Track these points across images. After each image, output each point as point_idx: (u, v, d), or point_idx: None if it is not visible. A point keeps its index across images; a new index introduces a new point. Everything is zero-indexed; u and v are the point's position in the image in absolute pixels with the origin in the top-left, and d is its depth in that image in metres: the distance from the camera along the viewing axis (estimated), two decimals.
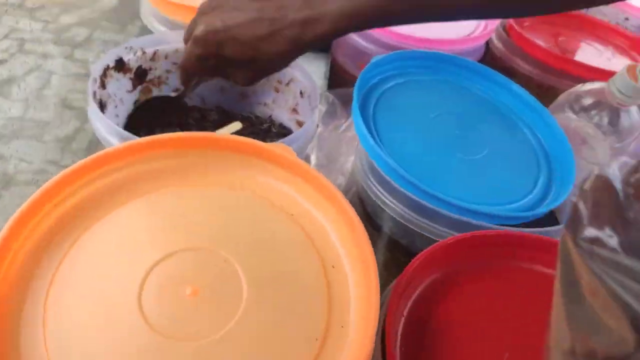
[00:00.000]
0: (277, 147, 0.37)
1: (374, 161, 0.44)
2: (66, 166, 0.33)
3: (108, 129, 0.42)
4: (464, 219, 0.40)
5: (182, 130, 0.54)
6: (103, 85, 0.49)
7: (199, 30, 0.44)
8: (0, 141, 1.96)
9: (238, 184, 0.37)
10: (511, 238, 0.37)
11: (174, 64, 0.56)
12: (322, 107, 0.67)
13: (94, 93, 0.46)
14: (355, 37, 0.64)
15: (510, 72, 0.69)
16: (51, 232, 0.32)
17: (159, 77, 0.56)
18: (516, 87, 0.54)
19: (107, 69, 0.49)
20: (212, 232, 0.33)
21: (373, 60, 0.51)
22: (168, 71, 0.56)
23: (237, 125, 0.50)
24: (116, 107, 0.52)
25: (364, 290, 0.32)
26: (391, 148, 0.46)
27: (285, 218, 0.35)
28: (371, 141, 0.44)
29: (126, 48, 0.51)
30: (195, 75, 0.50)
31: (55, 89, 2.08)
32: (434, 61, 0.55)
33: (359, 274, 0.33)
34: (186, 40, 0.48)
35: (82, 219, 0.33)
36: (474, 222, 0.40)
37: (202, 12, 0.46)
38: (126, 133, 0.40)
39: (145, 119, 0.54)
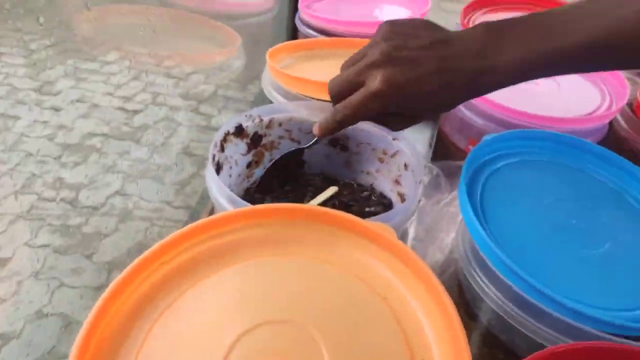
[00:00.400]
0: (376, 226, 0.37)
1: (478, 246, 0.42)
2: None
3: (220, 191, 0.45)
4: (576, 323, 0.36)
5: (286, 191, 0.57)
6: (222, 149, 0.53)
7: (377, 85, 0.42)
8: (127, 180, 2.19)
9: (334, 259, 0.37)
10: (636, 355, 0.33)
11: (287, 131, 0.59)
12: (425, 179, 0.66)
13: (213, 156, 0.50)
14: (463, 109, 0.64)
15: (637, 156, 0.64)
16: (151, 293, 0.34)
17: (271, 142, 0.60)
18: None
19: (227, 134, 0.54)
20: (302, 306, 0.34)
21: (486, 137, 0.50)
22: (281, 137, 0.60)
23: (333, 189, 0.52)
24: (231, 168, 0.56)
25: None
26: (498, 233, 0.44)
27: (379, 301, 0.35)
28: (476, 224, 0.42)
29: (246, 116, 0.56)
30: (357, 122, 0.48)
31: (179, 138, 2.29)
32: (551, 142, 0.52)
33: None
34: (339, 91, 0.46)
35: (180, 282, 0.35)
36: (588, 329, 0.36)
37: (373, 63, 0.43)
38: (233, 196, 0.43)
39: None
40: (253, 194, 0.59)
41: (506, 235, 0.43)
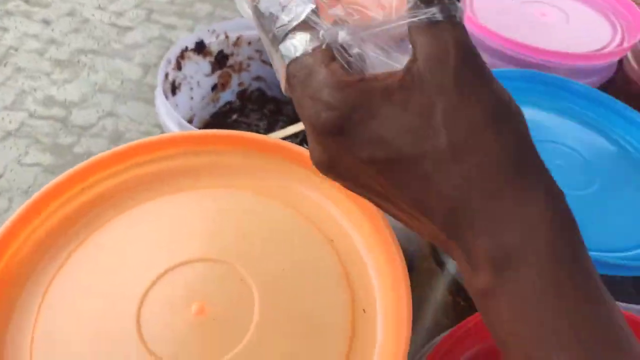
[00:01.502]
0: None
1: None
2: None
3: (169, 115, 0.41)
4: None
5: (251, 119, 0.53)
6: (179, 67, 0.48)
7: None
8: (117, 101, 2.15)
9: (280, 194, 0.34)
10: None
11: (257, 51, 0.54)
12: None
13: (166, 75, 0.46)
14: None
15: None
16: (68, 221, 0.31)
17: (239, 63, 0.55)
18: None
19: (185, 50, 0.49)
20: (232, 244, 0.31)
21: None
22: (250, 58, 0.55)
23: (300, 126, 0.48)
24: (192, 89, 0.52)
25: (392, 346, 0.27)
26: None
27: (322, 242, 0.32)
28: None
29: (209, 31, 0.50)
30: None
31: None
32: (536, 83, 0.48)
33: (390, 324, 0.28)
34: None
35: (103, 210, 0.32)
36: None
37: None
38: (183, 122, 0.39)
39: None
40: (221, 118, 0.55)
41: None
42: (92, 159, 0.32)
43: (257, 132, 0.54)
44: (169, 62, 0.46)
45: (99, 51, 2.08)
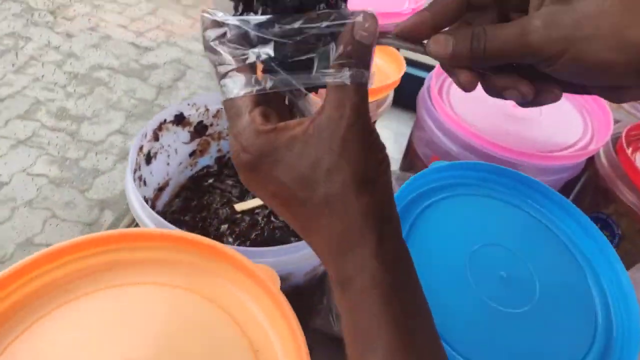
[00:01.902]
0: (260, 268, 0.35)
1: None
2: None
3: (136, 199, 0.43)
4: None
5: None
6: (156, 138, 0.51)
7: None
8: (129, 119, 2.20)
9: (214, 295, 0.36)
10: None
11: None
12: None
13: (140, 148, 0.49)
14: (431, 124, 0.60)
15: (611, 196, 0.60)
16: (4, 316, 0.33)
17: (219, 133, 0.58)
18: (589, 225, 0.47)
19: (163, 123, 0.52)
20: (158, 343, 0.33)
21: (432, 165, 0.47)
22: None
23: (258, 201, 0.50)
24: (169, 156, 0.54)
25: None
26: None
27: (244, 346, 0.34)
28: None
29: (189, 104, 0.53)
30: None
31: (186, 83, 2.27)
32: (502, 177, 0.49)
33: None
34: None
35: (37, 308, 0.34)
36: None
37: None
38: (145, 206, 0.42)
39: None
40: (198, 182, 0.57)
41: (427, 294, 0.41)
42: (23, 262, 0.35)
43: (230, 199, 0.57)
44: (144, 136, 0.49)
45: (117, 69, 2.14)
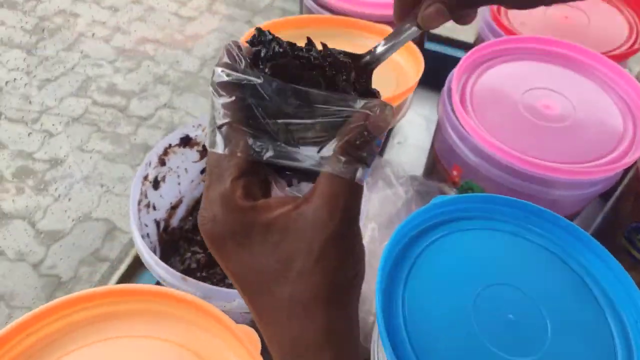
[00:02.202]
0: (242, 330, 0.35)
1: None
2: None
3: (141, 244, 0.44)
4: None
5: None
6: (162, 163, 0.52)
7: None
8: (174, 92, 2.24)
9: (197, 348, 0.37)
10: None
11: None
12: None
13: (145, 176, 0.49)
14: (451, 132, 0.56)
15: None
16: None
17: None
18: (607, 256, 0.43)
19: (168, 147, 0.52)
20: None
21: (434, 200, 0.45)
22: None
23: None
24: (179, 176, 0.55)
25: None
26: (416, 339, 0.39)
27: None
28: (386, 341, 0.37)
29: (194, 126, 0.53)
30: None
31: None
32: (517, 210, 0.46)
33: None
34: None
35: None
36: None
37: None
38: (152, 254, 0.43)
39: None
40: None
41: (426, 341, 0.39)
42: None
43: None
44: (148, 164, 0.49)
45: (161, 41, 2.17)
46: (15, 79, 2.06)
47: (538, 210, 0.45)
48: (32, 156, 1.80)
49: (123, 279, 0.59)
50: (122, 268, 0.59)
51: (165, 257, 0.54)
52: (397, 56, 0.65)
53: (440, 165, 0.61)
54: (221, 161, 0.25)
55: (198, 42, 2.13)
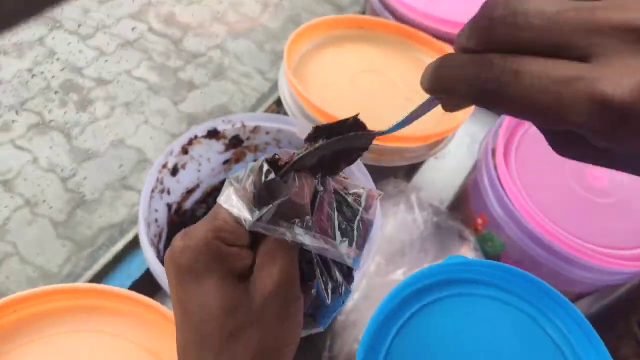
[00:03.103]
0: None
1: None
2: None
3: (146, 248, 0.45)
4: None
5: None
6: (185, 152, 0.52)
7: None
8: (230, 35, 2.20)
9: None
10: None
11: (275, 140, 0.56)
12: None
13: (164, 164, 0.50)
14: (487, 184, 0.54)
15: None
16: None
17: (255, 146, 0.57)
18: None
19: (194, 138, 0.52)
20: None
21: (449, 259, 0.44)
22: (267, 143, 0.57)
23: None
24: (200, 164, 0.55)
25: None
26: None
27: None
28: None
29: (223, 121, 0.53)
30: None
31: (294, 3, 2.21)
32: (532, 286, 0.44)
33: None
34: None
35: None
36: None
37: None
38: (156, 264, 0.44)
39: None
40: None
41: None
42: None
43: None
44: (170, 153, 0.50)
45: None
46: None
47: (548, 290, 0.43)
48: (80, 71, 1.85)
49: (129, 245, 0.62)
50: (131, 235, 0.62)
51: (172, 237, 0.55)
52: None
53: (467, 206, 0.59)
54: (217, 209, 0.27)
55: None
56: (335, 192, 0.28)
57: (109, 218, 1.63)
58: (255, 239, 0.27)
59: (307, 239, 0.25)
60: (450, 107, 0.23)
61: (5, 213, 1.53)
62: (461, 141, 0.84)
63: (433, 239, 0.60)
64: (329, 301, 0.27)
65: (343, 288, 0.28)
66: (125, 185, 1.75)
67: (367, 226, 0.29)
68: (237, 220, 0.26)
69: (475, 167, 0.59)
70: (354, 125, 0.28)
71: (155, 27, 2.06)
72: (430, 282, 0.44)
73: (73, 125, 1.74)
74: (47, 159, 1.68)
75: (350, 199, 0.29)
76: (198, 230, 0.26)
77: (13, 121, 1.71)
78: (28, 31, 1.95)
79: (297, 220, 0.25)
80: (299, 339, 0.27)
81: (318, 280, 0.27)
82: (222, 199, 0.26)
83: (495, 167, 0.52)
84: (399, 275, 0.56)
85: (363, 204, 0.29)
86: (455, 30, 0.65)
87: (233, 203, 0.26)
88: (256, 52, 1.96)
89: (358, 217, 0.28)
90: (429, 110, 0.26)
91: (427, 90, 0.22)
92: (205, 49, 2.02)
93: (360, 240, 0.28)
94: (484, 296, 0.44)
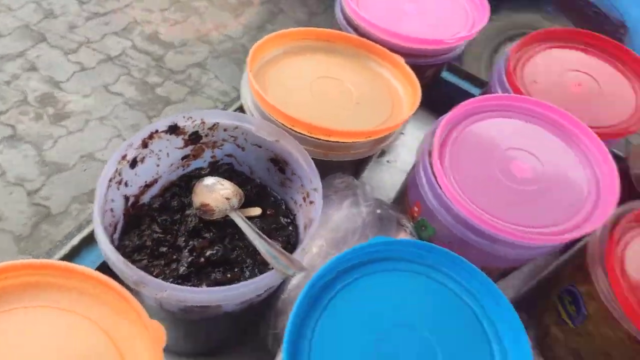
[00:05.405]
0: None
1: None
2: None
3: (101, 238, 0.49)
4: None
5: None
6: (145, 146, 0.57)
7: None
8: (212, 54, 2.28)
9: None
10: None
11: (232, 136, 0.62)
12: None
13: (124, 156, 0.55)
14: (421, 173, 0.60)
15: (589, 279, 0.57)
16: None
17: (214, 142, 0.63)
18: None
19: (155, 132, 0.57)
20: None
21: (372, 240, 0.49)
22: (224, 140, 0.62)
23: (256, 211, 0.58)
24: (159, 159, 0.60)
25: None
26: None
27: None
28: None
29: (184, 117, 0.58)
30: None
31: (275, 26, 2.32)
32: (447, 260, 0.49)
33: None
34: None
35: None
36: None
37: None
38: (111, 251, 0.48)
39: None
40: (188, 181, 0.64)
41: None
42: None
43: None
44: (130, 145, 0.55)
45: (214, 1, 2.24)
46: (66, 4, 2.16)
47: (458, 259, 0.48)
48: (59, 85, 1.91)
49: (85, 240, 0.66)
50: (86, 231, 0.66)
51: (128, 230, 0.60)
52: (396, 83, 0.70)
53: (407, 197, 0.66)
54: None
55: (247, 10, 2.19)
56: None
57: None
58: None
59: None
60: None
61: None
62: (412, 147, 0.92)
63: (373, 227, 0.65)
64: None
65: None
66: (92, 199, 1.79)
67: None
68: None
69: (414, 165, 0.65)
70: None
71: (138, 44, 2.13)
72: (356, 261, 0.48)
73: (45, 139, 1.78)
74: (15, 173, 1.70)
75: None
76: None
77: None
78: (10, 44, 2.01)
79: None
80: None
81: None
82: None
83: (431, 164, 0.58)
84: None
85: None
86: (412, 45, 0.73)
87: None
88: (235, 71, 2.04)
89: None
90: None
91: None
92: (185, 67, 2.09)
93: None
94: (404, 270, 0.49)
